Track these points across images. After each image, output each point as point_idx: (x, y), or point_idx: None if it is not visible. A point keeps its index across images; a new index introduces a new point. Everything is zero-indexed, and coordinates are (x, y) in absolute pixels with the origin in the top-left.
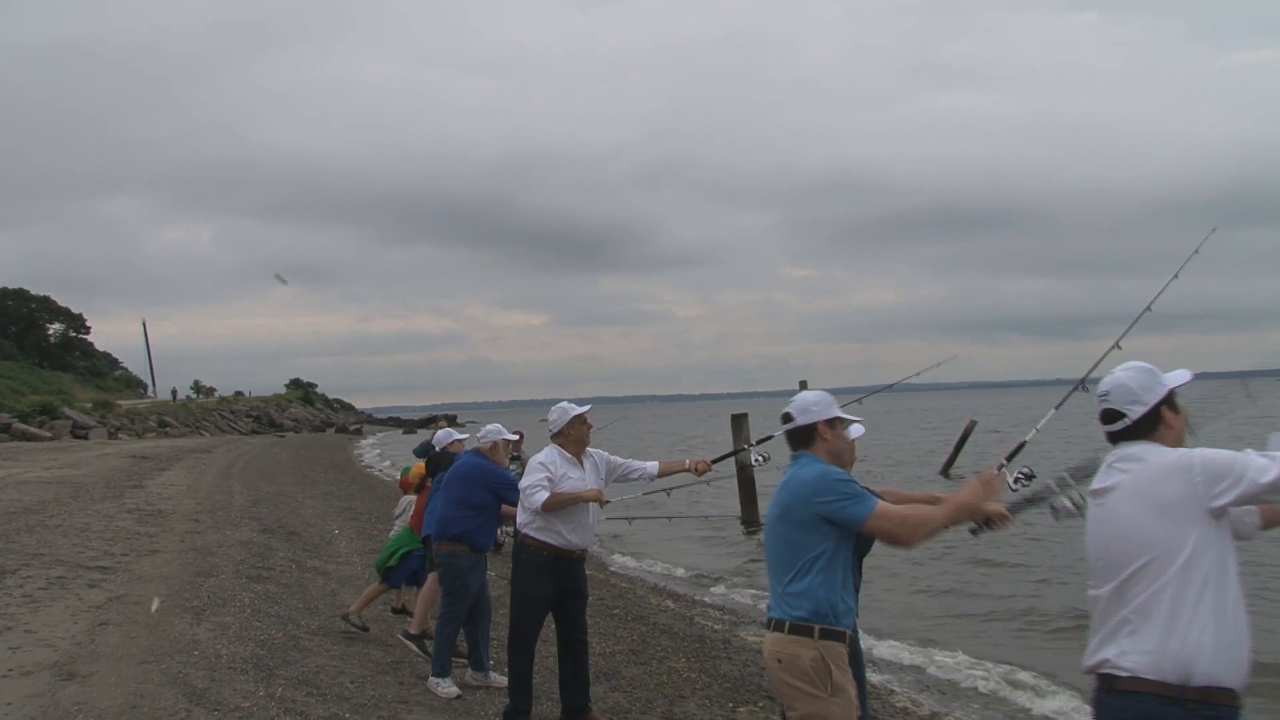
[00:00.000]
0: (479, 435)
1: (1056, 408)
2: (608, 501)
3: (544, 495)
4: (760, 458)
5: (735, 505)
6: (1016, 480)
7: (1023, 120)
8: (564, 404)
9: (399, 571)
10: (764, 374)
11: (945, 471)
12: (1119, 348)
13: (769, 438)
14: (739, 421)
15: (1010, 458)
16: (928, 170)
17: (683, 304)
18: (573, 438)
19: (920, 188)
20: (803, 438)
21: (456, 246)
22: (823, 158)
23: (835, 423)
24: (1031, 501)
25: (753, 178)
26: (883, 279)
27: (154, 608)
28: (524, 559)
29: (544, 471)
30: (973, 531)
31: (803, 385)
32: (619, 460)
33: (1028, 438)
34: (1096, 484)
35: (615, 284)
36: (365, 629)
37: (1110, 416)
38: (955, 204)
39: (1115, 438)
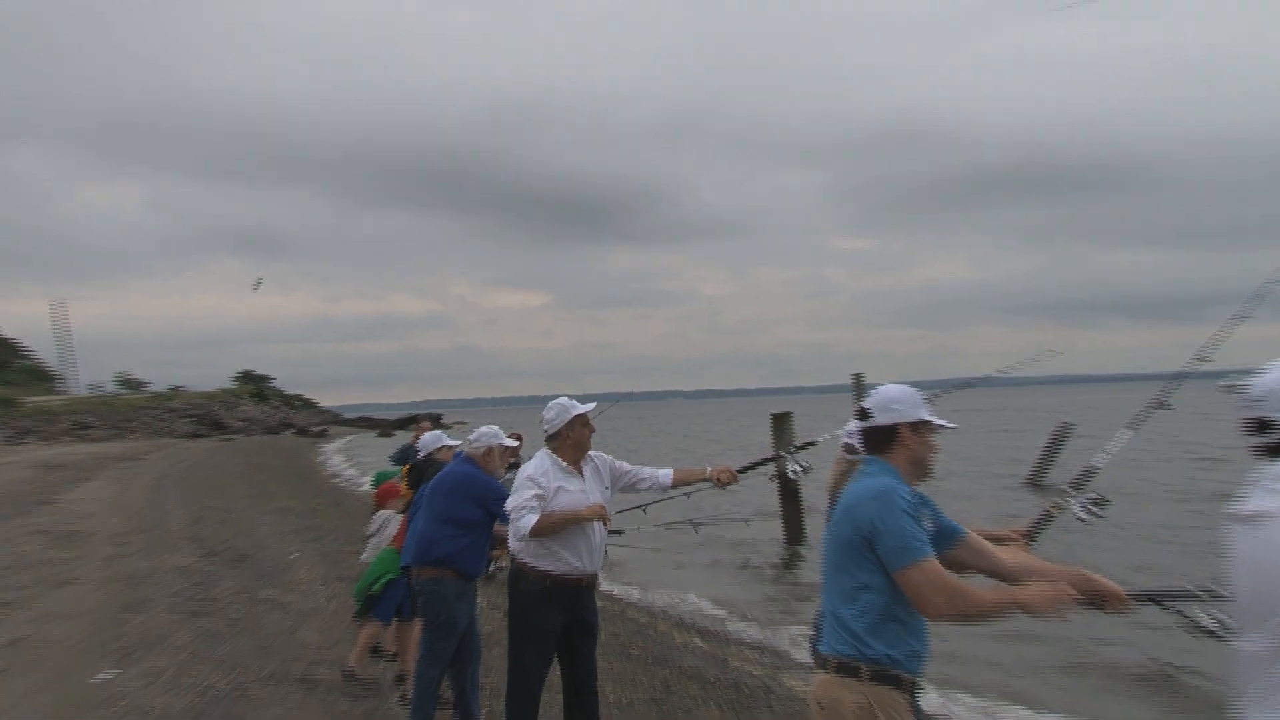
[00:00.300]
0: (470, 439)
1: (1132, 428)
2: (619, 531)
3: (533, 519)
4: (799, 467)
5: (776, 522)
6: (1085, 509)
7: (1131, 56)
8: (563, 400)
9: (387, 601)
10: (808, 366)
11: (1033, 482)
12: (1207, 360)
13: (811, 443)
14: (781, 421)
15: (1077, 486)
16: (1011, 118)
17: (711, 281)
18: (571, 441)
19: (1001, 140)
20: (881, 440)
21: (440, 212)
22: (882, 104)
23: (922, 426)
24: (1161, 599)
25: (796, 129)
26: (953, 251)
27: (101, 679)
28: (522, 589)
29: (533, 488)
30: (1081, 606)
31: (857, 379)
32: (625, 466)
33: (1098, 463)
34: (1244, 507)
35: (630, 257)
36: (377, 682)
37: (1259, 426)
38: (1045, 159)
39: (1268, 452)
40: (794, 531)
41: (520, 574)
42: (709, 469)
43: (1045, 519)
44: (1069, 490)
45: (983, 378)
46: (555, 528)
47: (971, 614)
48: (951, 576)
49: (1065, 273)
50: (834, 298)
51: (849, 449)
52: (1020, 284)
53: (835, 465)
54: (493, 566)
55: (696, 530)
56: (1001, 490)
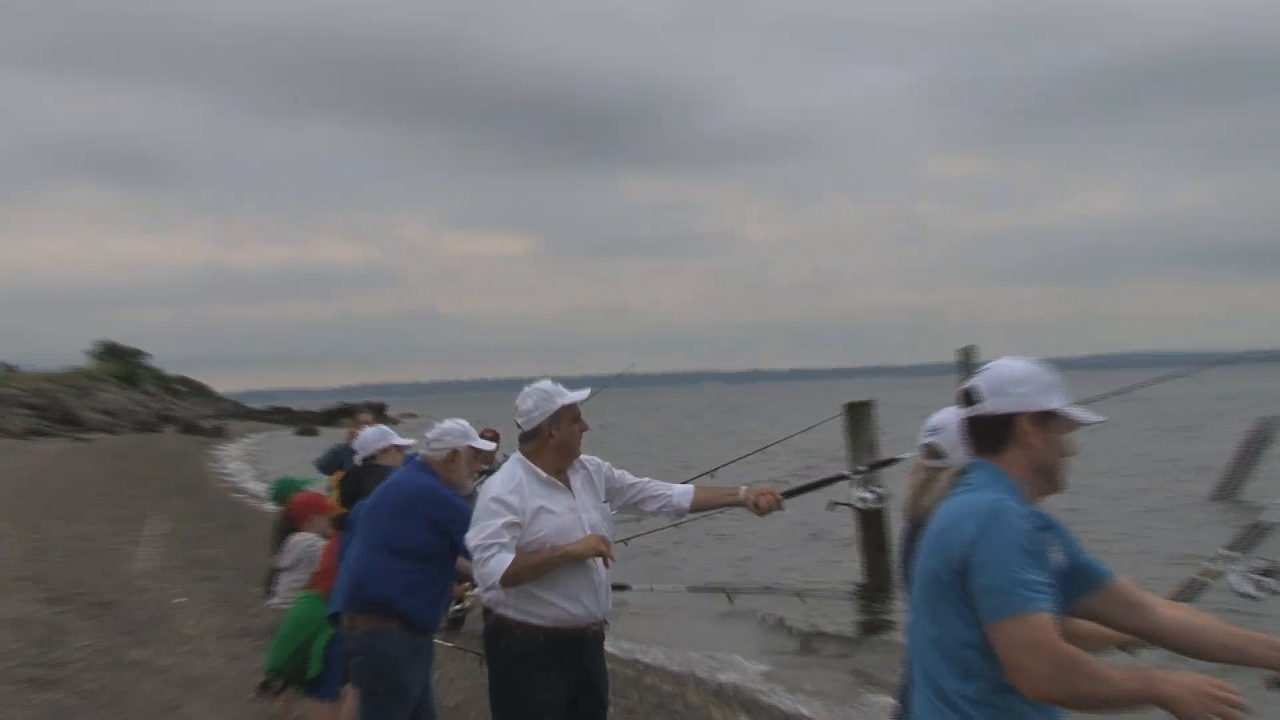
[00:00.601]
0: (429, 438)
1: None
2: (624, 586)
3: (504, 560)
4: (869, 495)
5: (850, 561)
6: (1251, 581)
7: None
8: (544, 385)
9: (332, 673)
10: (897, 338)
11: (1224, 496)
12: None
13: (891, 461)
14: (858, 415)
15: (1242, 546)
16: None
17: (759, 220)
18: (555, 443)
19: (1177, 15)
20: (991, 436)
21: (381, 123)
22: None
23: (1051, 419)
24: None
25: (877, 7)
26: (1105, 176)
27: None
28: (506, 652)
29: (502, 513)
30: (1277, 685)
31: (965, 356)
32: (628, 478)
33: (1272, 518)
34: None
35: (646, 187)
36: None
37: None
38: (1243, 40)
39: None
40: (876, 569)
41: (501, 631)
42: (743, 489)
43: (1193, 588)
44: (1227, 553)
45: (1237, 357)
46: (538, 571)
47: (1086, 697)
48: (1065, 644)
49: (1272, 204)
50: (933, 243)
51: (930, 452)
52: (1204, 221)
53: (912, 475)
54: (455, 608)
55: (731, 599)
56: (1152, 515)
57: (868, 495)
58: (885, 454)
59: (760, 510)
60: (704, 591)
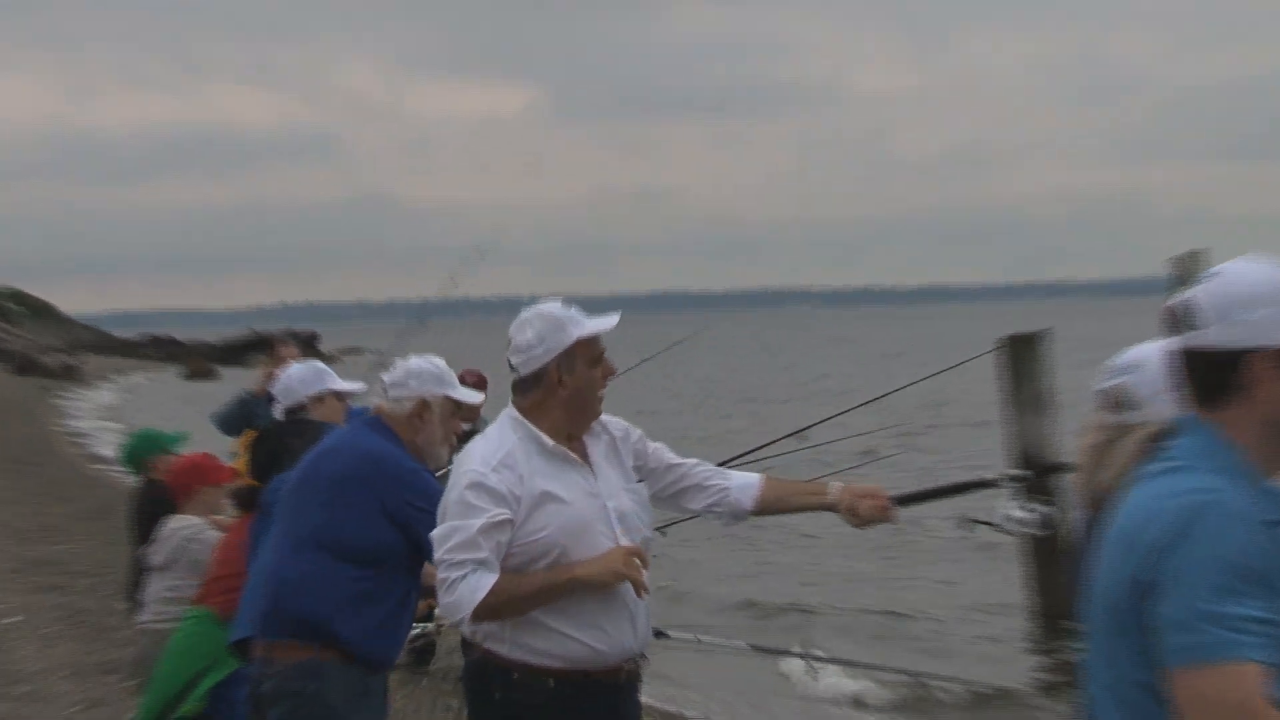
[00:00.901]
0: (387, 383)
1: None
2: (661, 633)
3: (481, 583)
4: (1026, 514)
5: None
6: None
7: None
8: (551, 308)
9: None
10: (1081, 238)
11: None
12: None
13: (1060, 467)
14: (1021, 354)
15: None
16: None
17: (870, 62)
18: (566, 395)
19: None
20: (1212, 378)
21: None
22: None
23: None
24: None
25: None
26: None
27: None
28: (498, 700)
29: (482, 509)
30: None
31: (1185, 264)
32: (667, 457)
33: None
34: None
35: (703, 14)
36: None
37: None
38: None
39: None
40: (1051, 597)
41: (491, 672)
42: (835, 486)
43: None
44: None
45: None
46: (532, 603)
47: None
48: (1271, 709)
49: None
50: (1136, 96)
51: (1116, 401)
52: None
53: (1089, 436)
54: (417, 632)
55: (810, 664)
56: None
57: (1024, 514)
58: (1063, 419)
59: (859, 519)
60: (771, 653)
